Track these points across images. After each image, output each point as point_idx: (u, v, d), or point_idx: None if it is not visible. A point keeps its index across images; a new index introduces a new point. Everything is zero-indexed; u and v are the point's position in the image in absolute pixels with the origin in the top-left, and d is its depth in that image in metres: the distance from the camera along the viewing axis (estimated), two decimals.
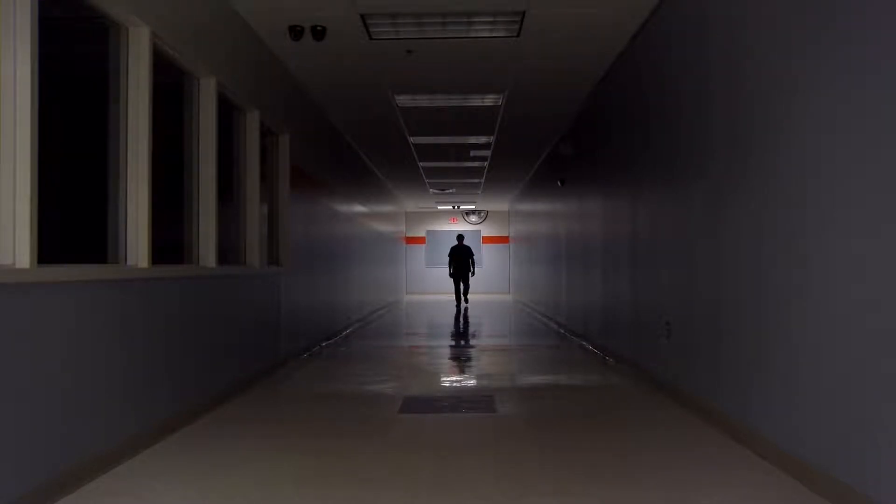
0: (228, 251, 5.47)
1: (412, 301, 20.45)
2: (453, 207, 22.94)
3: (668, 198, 5.19)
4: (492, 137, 10.58)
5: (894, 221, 2.55)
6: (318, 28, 5.73)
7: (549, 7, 5.34)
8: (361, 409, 4.88)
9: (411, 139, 10.66)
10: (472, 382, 6.00)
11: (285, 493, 3.08)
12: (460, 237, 18.27)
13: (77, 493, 3.05)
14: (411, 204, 21.57)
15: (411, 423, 4.45)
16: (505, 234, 23.84)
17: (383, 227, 15.90)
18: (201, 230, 4.78)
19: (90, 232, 3.82)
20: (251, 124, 5.84)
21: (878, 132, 2.64)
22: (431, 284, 23.77)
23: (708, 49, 4.34)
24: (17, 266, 2.79)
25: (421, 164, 13.15)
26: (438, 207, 22.84)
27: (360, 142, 10.95)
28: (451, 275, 17.96)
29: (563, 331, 10.46)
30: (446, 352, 8.25)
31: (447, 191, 17.88)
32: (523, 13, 5.47)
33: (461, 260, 17.73)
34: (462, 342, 9.36)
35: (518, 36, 5.98)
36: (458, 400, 5.17)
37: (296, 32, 5.77)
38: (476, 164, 13.30)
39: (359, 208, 12.07)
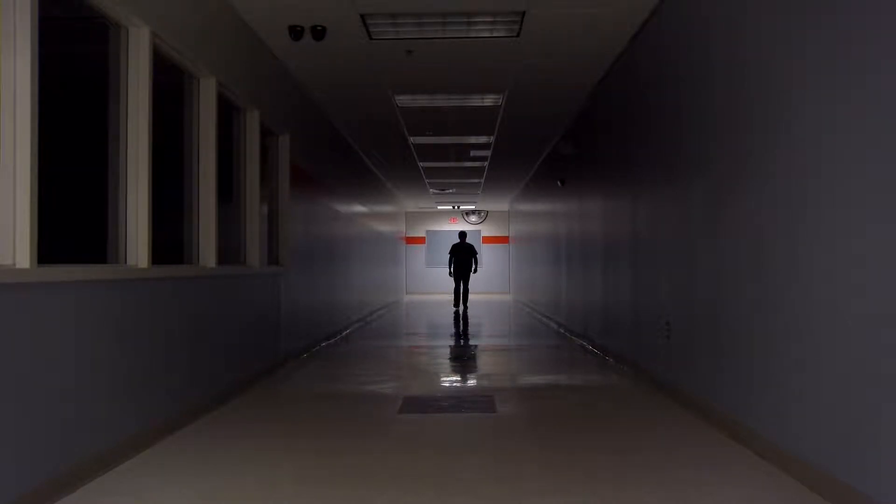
0: (228, 251, 5.47)
1: (412, 301, 20.45)
2: (453, 207, 22.95)
3: (668, 198, 5.19)
4: (492, 137, 10.58)
5: (895, 221, 2.55)
6: (318, 28, 5.73)
7: (549, 7, 5.34)
8: (361, 409, 4.88)
9: (411, 139, 10.66)
10: (472, 382, 6.00)
11: (285, 493, 3.08)
12: (462, 234, 17.30)
13: (77, 493, 3.05)
14: (411, 204, 21.57)
15: (411, 423, 4.45)
16: (505, 234, 23.84)
17: (383, 227, 15.90)
18: (201, 230, 4.78)
19: (90, 232, 3.82)
20: (251, 124, 5.84)
21: (878, 132, 2.64)
22: (431, 284, 23.77)
23: (708, 49, 4.34)
24: (17, 266, 2.79)
25: (421, 164, 13.15)
26: (438, 207, 22.84)
27: (360, 142, 10.94)
28: (450, 274, 16.91)
29: (563, 331, 10.46)
30: (446, 352, 8.25)
31: (447, 191, 17.87)
32: (523, 13, 5.47)
33: (463, 259, 16.74)
34: (462, 342, 9.36)
35: (518, 36, 5.98)
36: (459, 400, 5.17)
37: (296, 32, 5.77)
38: (476, 164, 13.30)
39: (359, 208, 12.07)
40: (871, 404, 2.69)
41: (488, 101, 8.32)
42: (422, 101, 8.28)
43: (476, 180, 15.86)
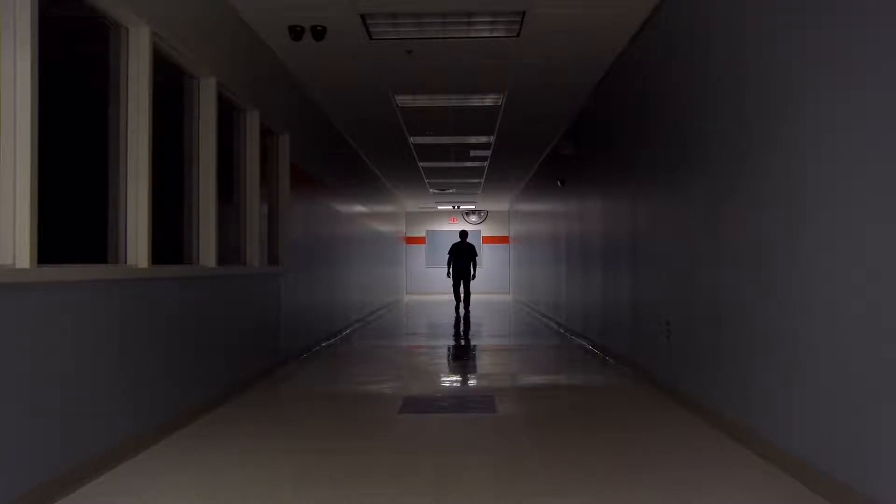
0: (228, 251, 5.47)
1: (412, 301, 20.44)
2: (453, 207, 22.95)
3: (668, 197, 5.19)
4: (492, 137, 10.58)
5: (895, 221, 2.55)
6: (318, 28, 5.73)
7: (549, 7, 5.33)
8: (361, 409, 4.88)
9: (411, 139, 10.66)
10: (472, 382, 6.00)
11: (285, 493, 3.08)
12: (463, 233, 16.35)
13: (77, 493, 3.05)
14: (411, 204, 21.57)
15: (411, 423, 4.45)
16: (505, 234, 23.85)
17: (383, 227, 15.90)
18: (201, 230, 4.78)
19: (90, 232, 3.81)
20: (251, 124, 5.84)
21: (878, 132, 2.64)
22: (432, 284, 23.77)
23: (708, 49, 4.34)
24: (17, 266, 2.79)
25: (421, 164, 13.14)
26: (438, 207, 22.85)
27: (360, 142, 10.94)
28: (449, 275, 16.11)
29: (563, 331, 10.45)
30: (446, 352, 8.25)
31: (447, 191, 17.87)
32: (523, 13, 5.47)
33: (463, 259, 15.85)
34: (462, 342, 9.36)
35: (518, 36, 5.98)
36: (459, 400, 5.17)
37: (296, 32, 5.77)
38: (476, 164, 13.30)
39: (359, 208, 12.07)
40: (870, 404, 2.69)
41: (488, 101, 8.32)
42: (422, 101, 8.28)
43: (476, 180, 15.86)
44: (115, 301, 3.50)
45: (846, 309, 2.85)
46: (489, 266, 23.58)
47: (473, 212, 23.87)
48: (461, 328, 11.46)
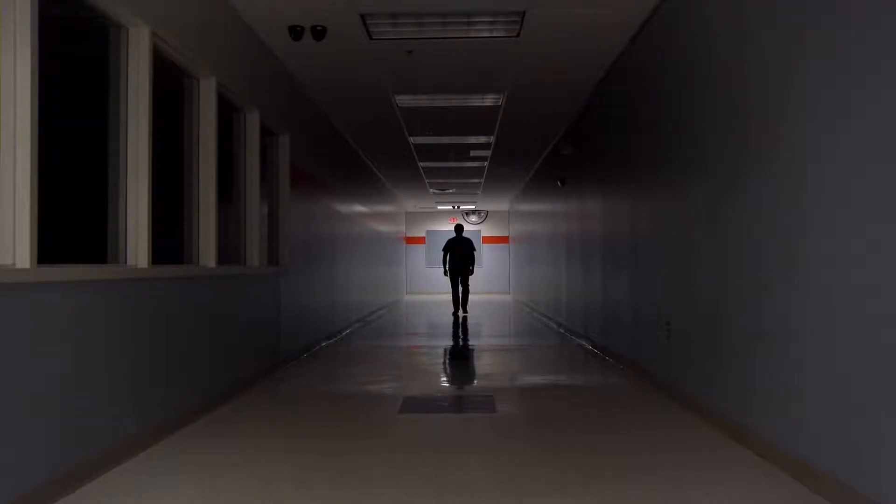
0: (228, 251, 5.47)
1: (412, 301, 20.44)
2: (453, 207, 22.95)
3: (668, 197, 5.19)
4: (492, 137, 10.58)
5: (895, 221, 2.55)
6: (318, 28, 5.73)
7: (549, 7, 5.34)
8: (361, 409, 4.88)
9: (411, 139, 10.66)
10: (472, 382, 6.00)
11: (285, 493, 3.08)
12: (459, 227, 14.48)
13: (77, 493, 3.05)
14: (411, 204, 21.57)
15: (411, 423, 4.45)
16: (505, 234, 23.85)
17: (383, 227, 15.90)
18: (201, 230, 4.78)
19: (90, 232, 3.81)
20: (251, 124, 5.84)
21: (878, 132, 2.64)
22: (431, 284, 23.77)
23: (708, 49, 4.34)
24: (17, 266, 2.79)
25: (421, 164, 13.14)
26: (438, 207, 22.85)
27: (360, 142, 10.94)
28: (446, 273, 14.42)
29: (563, 331, 10.45)
30: (446, 352, 8.25)
31: (447, 191, 17.87)
32: (523, 13, 5.47)
33: (460, 254, 14.22)
34: (462, 342, 9.36)
35: (518, 36, 5.98)
36: (459, 400, 5.17)
37: (296, 32, 5.77)
38: (476, 164, 13.30)
39: (359, 208, 12.07)
40: (871, 404, 2.69)
41: (488, 101, 8.32)
42: (422, 101, 8.28)
43: (476, 180, 15.86)
44: (115, 301, 3.50)
45: (846, 309, 2.85)
46: (489, 266, 23.58)
47: (473, 212, 23.87)
48: (461, 328, 11.46)
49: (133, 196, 3.78)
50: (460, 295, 14.42)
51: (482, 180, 15.81)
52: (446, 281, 19.96)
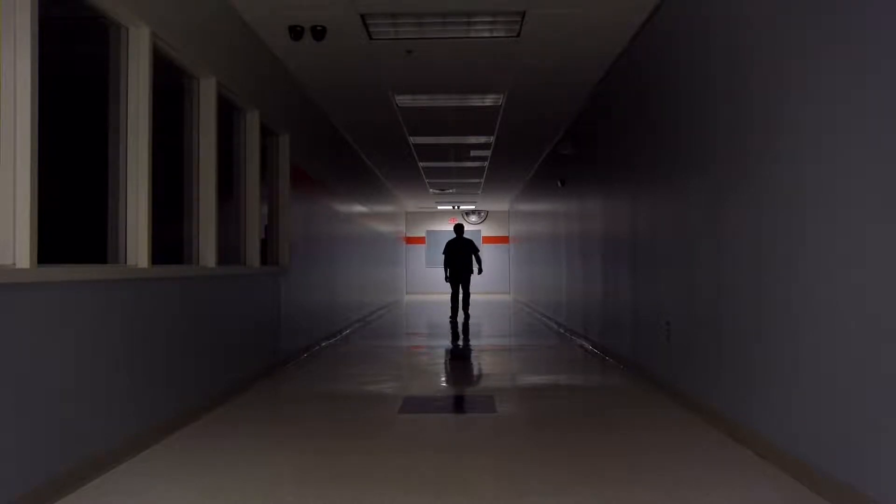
0: (228, 251, 5.47)
1: (412, 301, 20.44)
2: (453, 207, 22.95)
3: (668, 197, 5.19)
4: (492, 137, 10.58)
5: (894, 221, 2.55)
6: (318, 28, 5.73)
7: (549, 7, 5.34)
8: (361, 409, 4.88)
9: (411, 139, 10.66)
10: (472, 382, 6.00)
11: (285, 493, 3.08)
12: (459, 227, 13.56)
13: (77, 493, 3.05)
14: (411, 204, 21.57)
15: (411, 423, 4.45)
16: (505, 234, 23.85)
17: (383, 228, 15.90)
18: (201, 230, 4.78)
19: (90, 232, 3.81)
20: (251, 124, 5.84)
21: (878, 132, 2.64)
22: (432, 285, 23.78)
23: (708, 49, 4.34)
24: (17, 266, 2.79)
25: (421, 164, 13.14)
26: (438, 207, 22.85)
27: (360, 142, 10.94)
28: (447, 278, 13.51)
29: (562, 331, 10.45)
30: (446, 352, 8.25)
31: (447, 191, 17.87)
32: (523, 13, 5.47)
33: (461, 258, 13.39)
34: (462, 342, 9.36)
35: (518, 36, 5.98)
36: (459, 400, 5.17)
37: (296, 32, 5.77)
38: (476, 164, 13.30)
39: (359, 208, 12.07)
40: (871, 404, 2.69)
41: (488, 101, 8.32)
42: (422, 101, 8.28)
43: (476, 180, 15.86)
44: (115, 301, 3.50)
45: (846, 309, 2.85)
46: (489, 266, 23.58)
47: (473, 212, 23.87)
48: (461, 328, 11.45)
49: (133, 196, 3.78)
50: (461, 299, 13.81)
51: (482, 180, 15.81)
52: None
